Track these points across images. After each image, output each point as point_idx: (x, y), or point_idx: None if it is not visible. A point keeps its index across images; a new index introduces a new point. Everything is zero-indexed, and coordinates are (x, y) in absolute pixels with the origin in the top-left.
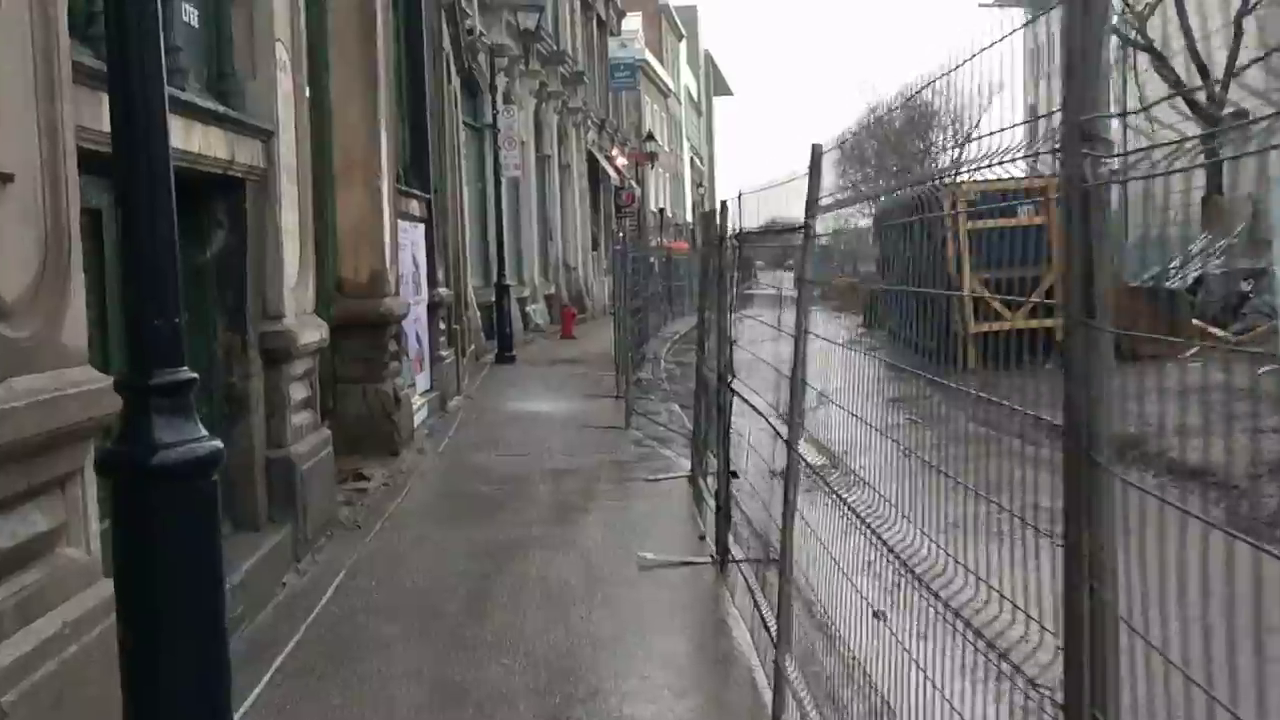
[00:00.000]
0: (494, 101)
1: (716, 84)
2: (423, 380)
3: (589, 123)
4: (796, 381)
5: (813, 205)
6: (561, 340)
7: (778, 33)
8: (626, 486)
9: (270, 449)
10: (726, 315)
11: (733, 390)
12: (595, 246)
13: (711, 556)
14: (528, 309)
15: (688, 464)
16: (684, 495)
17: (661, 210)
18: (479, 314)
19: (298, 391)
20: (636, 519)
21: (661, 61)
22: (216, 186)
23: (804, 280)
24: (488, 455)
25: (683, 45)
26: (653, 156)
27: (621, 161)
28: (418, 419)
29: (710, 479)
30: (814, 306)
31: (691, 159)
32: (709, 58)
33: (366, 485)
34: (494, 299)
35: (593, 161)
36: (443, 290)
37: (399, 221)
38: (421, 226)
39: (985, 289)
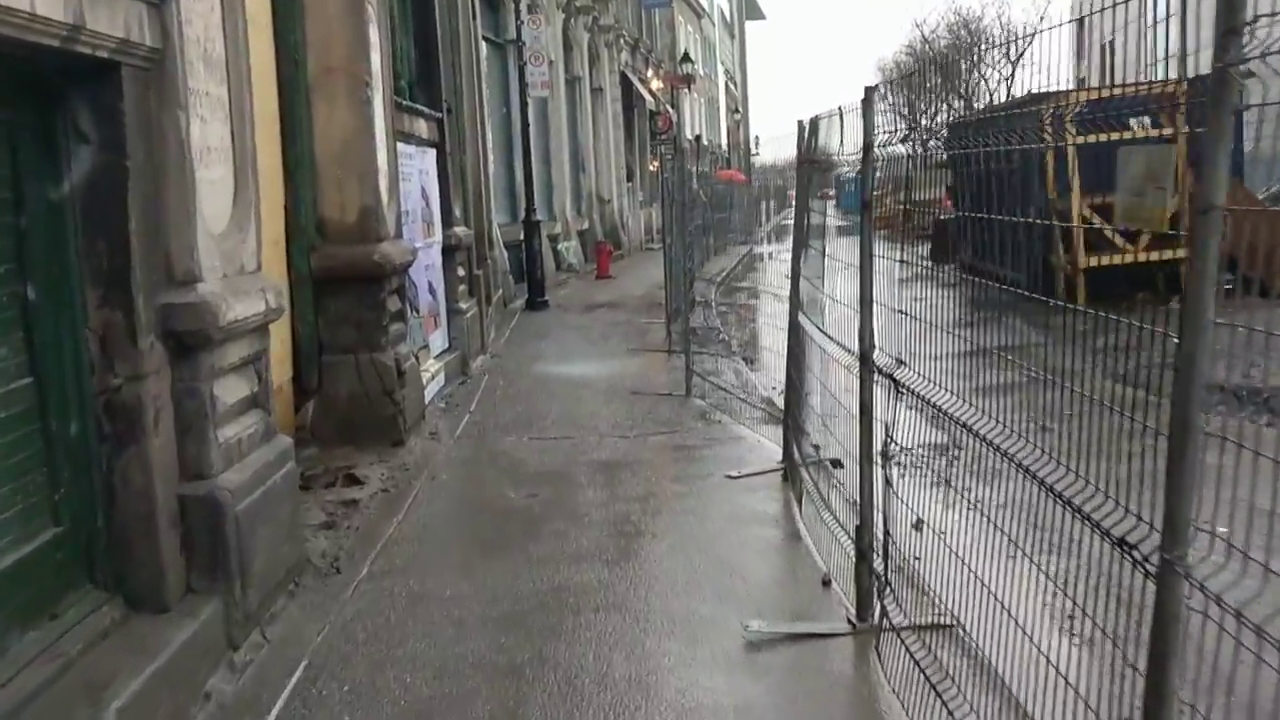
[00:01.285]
0: (517, 11)
1: (749, 7)
2: (438, 340)
3: (622, 43)
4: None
5: (869, 143)
6: (598, 281)
7: None
8: (702, 487)
9: (185, 483)
10: (869, 267)
11: (895, 383)
12: (630, 177)
13: (850, 622)
14: (560, 247)
15: (773, 447)
16: (780, 501)
17: (698, 137)
18: (505, 254)
19: (230, 391)
20: (725, 547)
21: None
22: (71, 74)
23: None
24: (517, 440)
25: None
26: (689, 79)
27: (656, 85)
28: (431, 390)
29: (810, 474)
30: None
31: (726, 84)
32: None
33: (358, 495)
34: (522, 237)
35: (626, 84)
36: (460, 230)
37: (399, 145)
38: (432, 153)
39: (1096, 217)
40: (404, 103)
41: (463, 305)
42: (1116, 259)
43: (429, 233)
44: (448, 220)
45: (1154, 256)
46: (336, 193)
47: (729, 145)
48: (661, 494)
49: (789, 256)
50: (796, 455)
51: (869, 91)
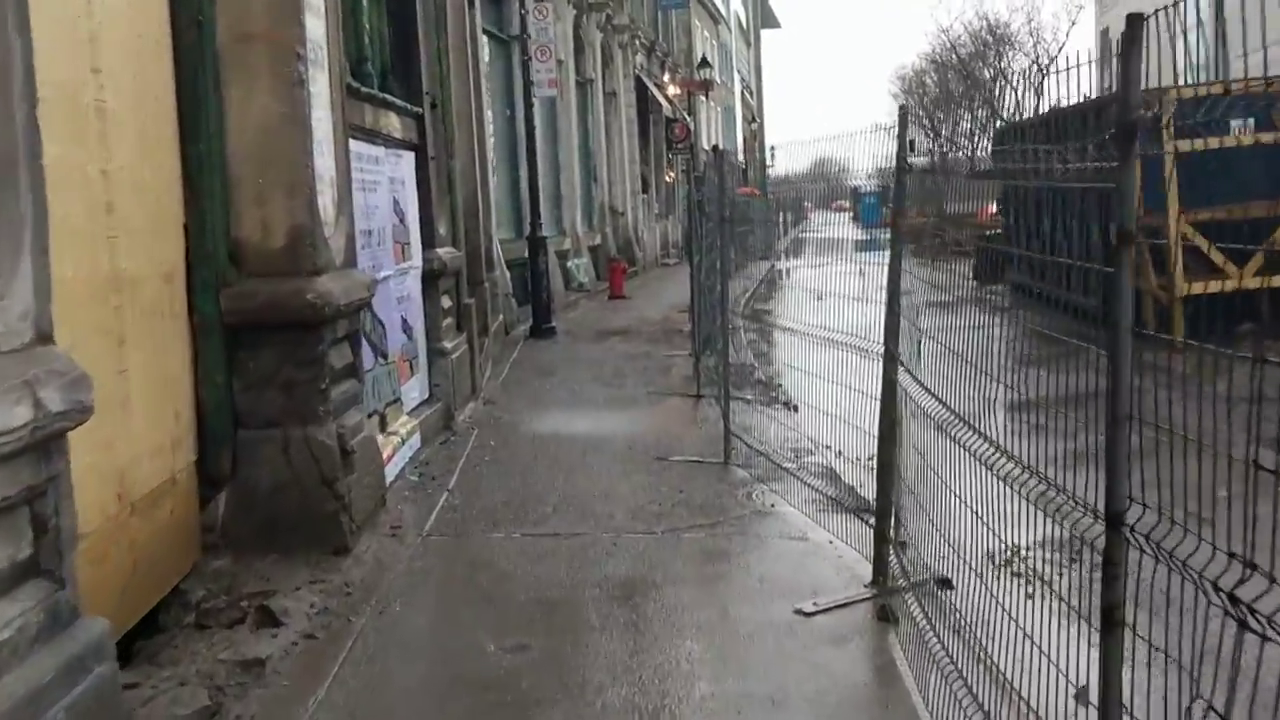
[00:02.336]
0: (522, 1)
1: (764, 16)
2: (414, 389)
3: (637, 44)
4: None
5: (903, 161)
6: (611, 302)
7: None
8: (762, 635)
9: None
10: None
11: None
12: (645, 188)
13: None
14: (569, 264)
15: (851, 555)
16: (880, 658)
17: (715, 147)
18: (508, 275)
19: None
20: None
21: None
22: None
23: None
24: (506, 538)
25: None
26: (708, 85)
27: (673, 91)
28: (400, 460)
29: (927, 607)
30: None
31: (742, 93)
32: None
33: (267, 649)
34: (527, 255)
35: (641, 89)
36: (445, 252)
37: (361, 146)
38: (409, 157)
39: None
40: (367, 91)
41: (447, 344)
42: (1218, 285)
43: (403, 256)
44: (429, 240)
45: (1264, 282)
46: (256, 208)
47: (745, 156)
48: (704, 650)
49: (812, 274)
50: (897, 572)
51: (904, 113)
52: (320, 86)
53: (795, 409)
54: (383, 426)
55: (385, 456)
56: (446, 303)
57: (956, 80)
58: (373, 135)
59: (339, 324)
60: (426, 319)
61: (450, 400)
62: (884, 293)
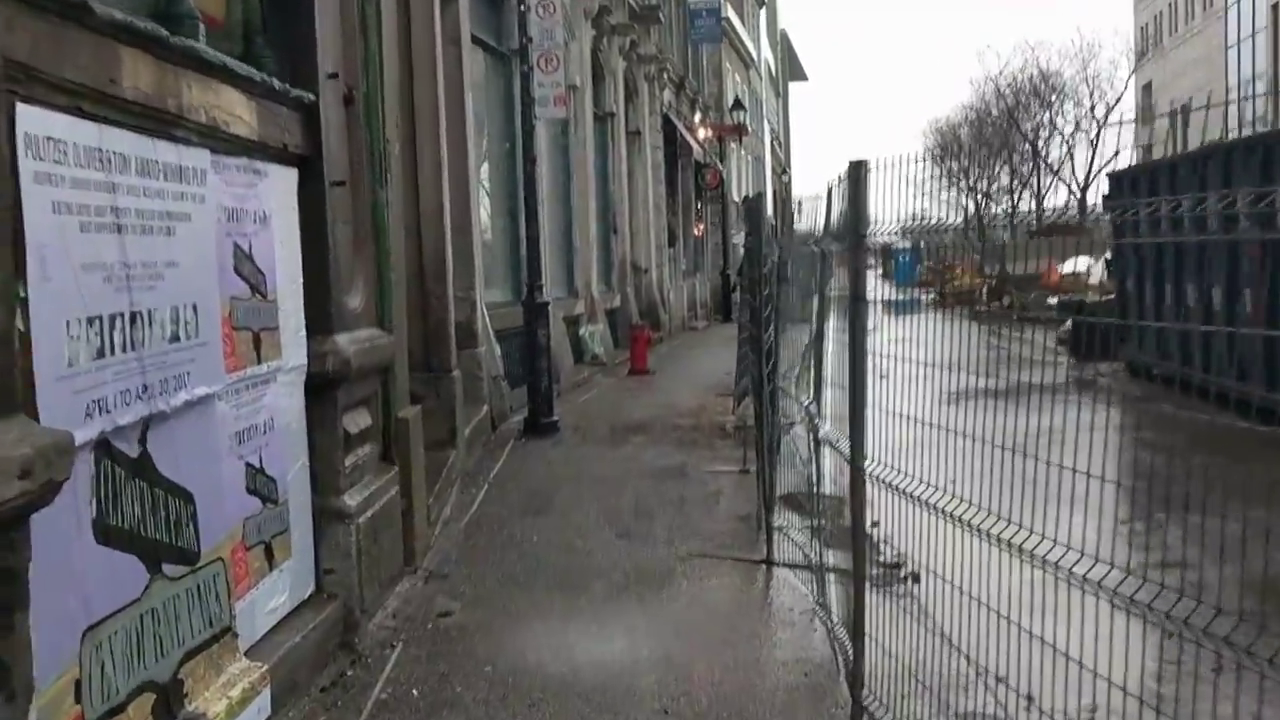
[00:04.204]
0: (523, 1)
1: (792, 68)
2: (273, 593)
3: (665, 78)
4: None
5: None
6: (632, 378)
7: (850, 18)
8: None
9: None
10: None
11: None
12: (672, 241)
13: None
14: (583, 333)
15: None
16: None
17: (746, 198)
18: (498, 350)
19: None
20: None
21: (743, 22)
22: None
23: None
24: None
25: (762, 14)
26: (741, 129)
27: (703, 134)
28: None
29: None
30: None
31: (772, 144)
32: (785, 37)
33: None
34: (524, 323)
35: (669, 129)
36: (355, 339)
37: (147, 142)
38: (278, 176)
39: None
40: (151, 30)
41: (350, 499)
42: None
43: (256, 353)
44: (321, 321)
45: None
46: None
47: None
48: None
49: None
50: None
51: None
52: None
53: (917, 579)
54: (170, 705)
55: None
56: (355, 425)
57: (994, 132)
58: (174, 123)
59: None
60: (314, 457)
61: (354, 594)
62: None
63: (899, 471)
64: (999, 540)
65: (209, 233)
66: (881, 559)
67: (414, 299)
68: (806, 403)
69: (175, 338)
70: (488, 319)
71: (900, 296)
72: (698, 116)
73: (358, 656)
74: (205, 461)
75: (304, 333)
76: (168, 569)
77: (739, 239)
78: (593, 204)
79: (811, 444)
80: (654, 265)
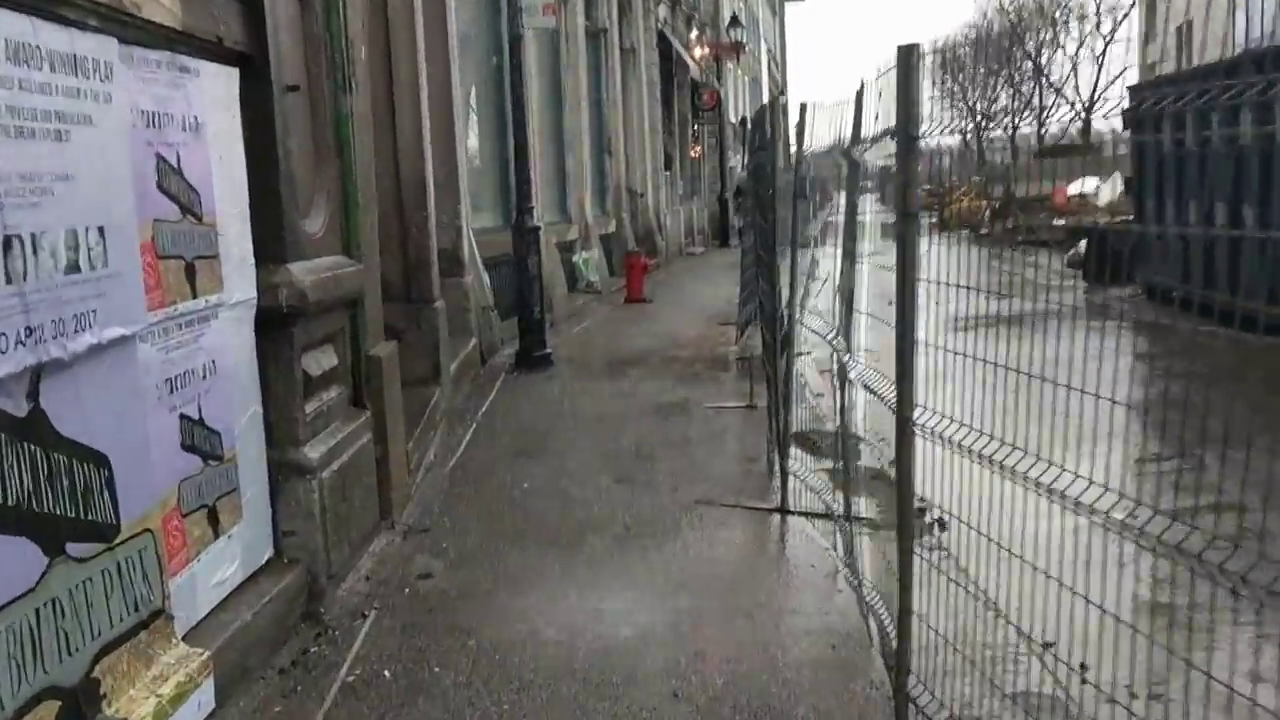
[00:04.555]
0: None
1: None
2: (219, 563)
3: None
4: None
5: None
6: (628, 306)
7: None
8: None
9: None
10: None
11: None
12: (668, 164)
13: None
14: (576, 259)
15: None
16: None
17: (743, 120)
18: (487, 279)
19: None
20: None
21: None
22: None
23: None
24: None
25: None
26: (739, 47)
27: (699, 52)
28: None
29: None
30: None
31: (769, 64)
32: None
33: None
34: (514, 250)
35: (665, 47)
36: (313, 269)
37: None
38: (214, 76)
39: None
40: None
41: (312, 452)
42: None
43: (190, 287)
44: (274, 248)
45: None
46: None
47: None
48: None
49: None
50: None
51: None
52: None
53: (944, 526)
54: (83, 712)
55: None
56: (317, 366)
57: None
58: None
59: None
60: (266, 407)
61: (318, 558)
62: None
63: (953, 420)
64: (1036, 484)
65: (119, 140)
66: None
67: (391, 224)
68: (830, 335)
69: (74, 267)
70: (475, 246)
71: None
72: (694, 34)
73: (323, 629)
74: (123, 417)
75: (251, 261)
76: (74, 550)
77: (737, 161)
78: (586, 124)
79: (838, 383)
80: (650, 189)
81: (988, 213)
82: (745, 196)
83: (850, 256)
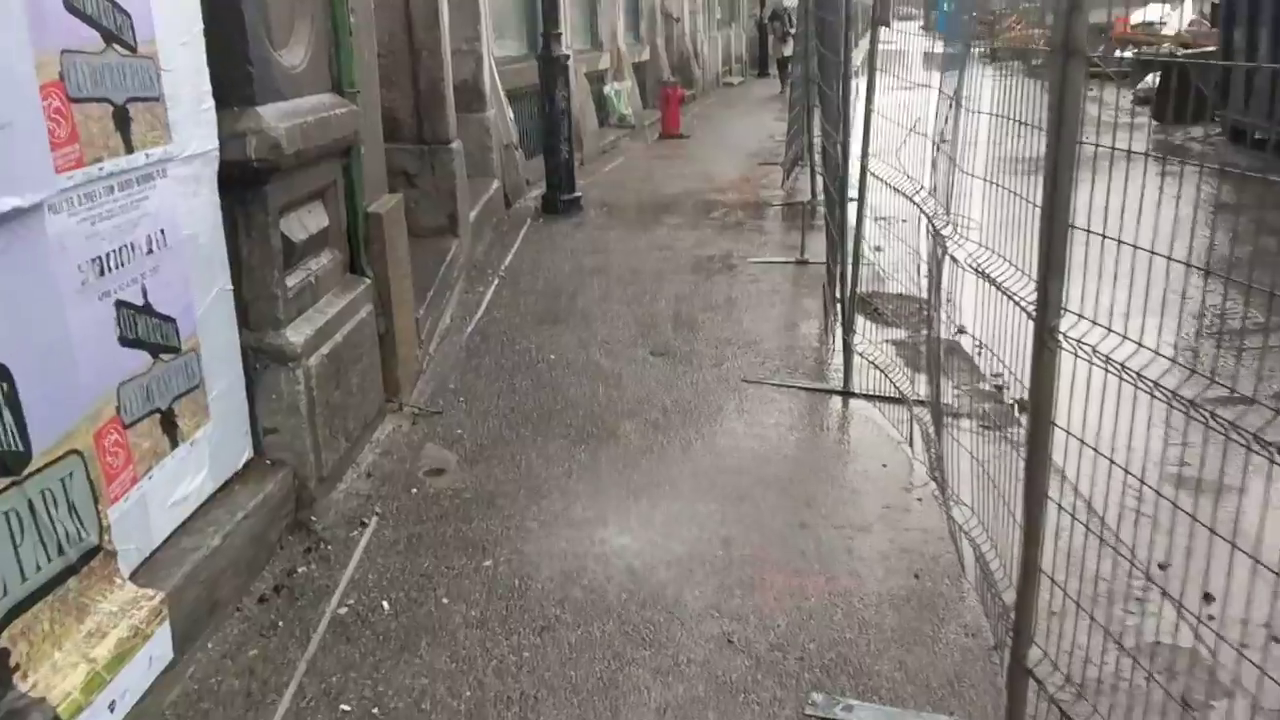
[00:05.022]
0: None
1: None
2: (183, 476)
3: None
4: None
5: None
6: (663, 143)
7: None
8: None
9: None
10: None
11: None
12: None
13: None
14: (607, 91)
15: None
16: None
17: None
18: (510, 112)
19: None
20: None
21: None
22: None
23: None
24: None
25: None
26: None
27: None
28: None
29: None
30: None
31: None
32: None
33: None
34: (540, 81)
35: None
36: (290, 111)
37: None
38: None
39: None
40: None
41: (295, 336)
42: None
43: (134, 137)
44: (237, 89)
45: None
46: None
47: None
48: None
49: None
50: None
51: None
52: None
53: (1026, 409)
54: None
55: None
56: (302, 229)
57: None
58: None
59: None
60: (237, 283)
61: (306, 458)
62: None
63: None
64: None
65: None
66: (981, 382)
67: (398, 49)
68: (918, 196)
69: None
70: (497, 77)
71: (949, 49)
72: None
73: (314, 543)
74: (27, 312)
75: (210, 104)
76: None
77: None
78: None
79: (936, 256)
80: (686, 13)
81: (1043, 41)
82: (778, 21)
83: (956, 101)
